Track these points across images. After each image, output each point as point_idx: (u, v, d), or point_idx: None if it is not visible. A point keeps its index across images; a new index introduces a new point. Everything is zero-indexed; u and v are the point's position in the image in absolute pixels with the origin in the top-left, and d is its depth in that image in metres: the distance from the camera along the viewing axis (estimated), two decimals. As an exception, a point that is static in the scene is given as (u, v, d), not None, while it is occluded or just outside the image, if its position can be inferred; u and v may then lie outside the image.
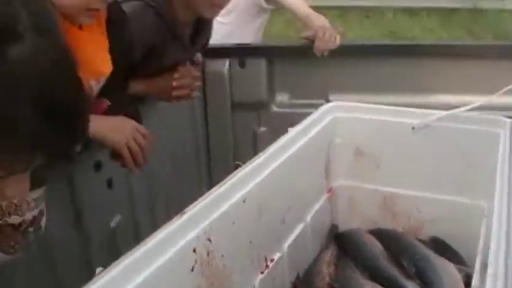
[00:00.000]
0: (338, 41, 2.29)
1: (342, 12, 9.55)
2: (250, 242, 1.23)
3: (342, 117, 1.64)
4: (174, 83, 1.88)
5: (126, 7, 1.67)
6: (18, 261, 1.14)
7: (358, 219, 1.68)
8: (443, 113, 1.54)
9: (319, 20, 2.46)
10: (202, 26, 2.01)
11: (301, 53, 2.42)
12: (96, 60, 1.42)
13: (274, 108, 2.53)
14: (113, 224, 1.82)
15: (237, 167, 1.25)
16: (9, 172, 0.67)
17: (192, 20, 1.95)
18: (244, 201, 1.18)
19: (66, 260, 1.56)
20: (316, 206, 1.58)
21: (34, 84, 0.63)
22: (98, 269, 0.91)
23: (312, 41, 2.33)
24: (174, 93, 1.90)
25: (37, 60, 0.63)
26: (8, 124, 0.62)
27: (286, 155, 1.36)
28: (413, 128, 1.57)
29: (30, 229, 1.00)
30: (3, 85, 0.61)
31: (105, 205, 1.78)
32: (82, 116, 0.69)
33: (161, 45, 1.82)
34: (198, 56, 2.15)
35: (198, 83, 2.01)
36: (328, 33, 2.27)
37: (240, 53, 2.47)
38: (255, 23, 3.23)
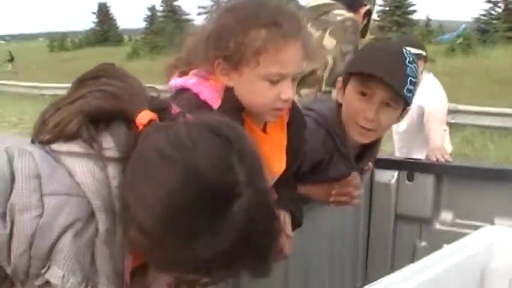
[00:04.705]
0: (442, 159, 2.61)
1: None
2: None
3: (501, 243, 1.64)
4: (334, 191, 1.98)
5: None
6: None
7: None
8: None
9: (434, 143, 3.51)
10: (369, 148, 2.04)
11: (471, 173, 2.45)
12: (273, 161, 1.56)
13: (437, 225, 2.55)
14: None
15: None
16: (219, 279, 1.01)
17: (359, 143, 1.98)
18: (389, 306, 1.25)
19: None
20: (464, 329, 1.57)
21: (244, 227, 0.91)
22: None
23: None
24: (332, 199, 1.99)
25: (249, 209, 0.92)
26: (224, 247, 0.90)
27: (435, 271, 1.41)
28: None
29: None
30: (226, 228, 0.89)
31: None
32: (272, 248, 0.97)
33: (328, 161, 1.93)
34: (370, 164, 2.24)
35: (359, 192, 2.05)
36: (436, 156, 2.63)
37: (409, 166, 2.56)
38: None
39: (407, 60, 1.78)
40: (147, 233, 0.92)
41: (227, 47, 1.40)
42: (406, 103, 1.83)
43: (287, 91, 1.44)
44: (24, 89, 18.83)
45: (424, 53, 3.86)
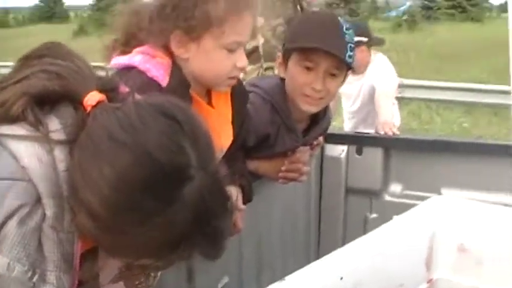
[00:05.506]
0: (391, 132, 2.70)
1: (470, 108, 9.46)
2: (344, 319, 1.31)
3: (448, 211, 1.69)
4: (283, 168, 2.00)
5: None
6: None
7: (457, 315, 1.69)
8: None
9: (383, 116, 3.66)
10: (317, 122, 2.06)
11: (418, 145, 2.51)
12: (221, 134, 1.57)
13: (387, 197, 2.59)
14: (220, 285, 1.96)
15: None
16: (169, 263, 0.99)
17: (307, 117, 2.01)
18: (341, 278, 1.27)
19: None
20: (415, 296, 1.61)
21: (196, 211, 0.89)
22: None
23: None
24: (281, 175, 2.01)
25: (201, 193, 0.90)
26: (175, 230, 0.89)
27: (387, 241, 1.45)
28: (519, 230, 1.59)
29: (152, 274, 1.17)
30: (178, 211, 0.87)
31: (215, 266, 1.93)
32: (225, 231, 0.96)
33: (275, 135, 1.94)
34: (320, 139, 2.25)
35: (307, 169, 2.08)
36: (384, 129, 2.74)
37: (358, 140, 2.60)
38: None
39: (344, 27, 1.85)
40: (97, 217, 0.90)
41: (192, 17, 1.40)
42: (348, 68, 1.89)
43: (243, 59, 1.48)
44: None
45: (364, 40, 3.89)
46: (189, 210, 0.88)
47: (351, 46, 1.83)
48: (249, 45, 2.45)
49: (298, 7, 2.71)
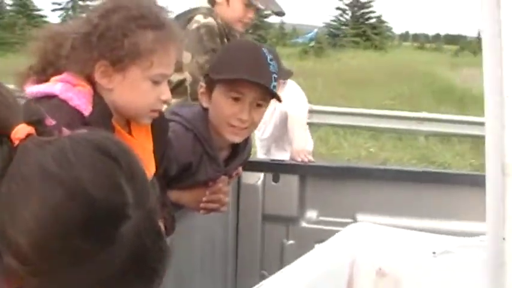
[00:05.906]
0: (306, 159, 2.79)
1: (376, 133, 9.83)
2: None
3: (366, 238, 1.74)
4: (204, 198, 1.98)
5: None
6: None
7: None
8: (466, 240, 1.63)
9: (298, 145, 3.61)
10: (238, 151, 2.07)
11: (332, 172, 2.57)
12: (145, 165, 1.55)
13: (303, 224, 2.63)
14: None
15: (262, 276, 1.34)
16: None
17: (228, 145, 2.02)
18: (266, 310, 1.27)
19: None
20: (337, 322, 1.64)
21: (132, 251, 0.85)
22: None
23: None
24: (203, 205, 1.99)
25: (139, 232, 0.87)
26: (109, 272, 0.84)
27: (310, 271, 1.46)
28: (434, 253, 1.66)
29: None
30: (113, 252, 0.83)
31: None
32: (162, 270, 0.90)
33: (197, 164, 1.93)
34: (239, 170, 2.26)
35: (227, 199, 2.08)
36: (300, 157, 2.83)
37: (274, 168, 2.63)
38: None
39: (268, 58, 1.88)
40: (25, 258, 0.84)
41: (120, 47, 1.38)
42: (272, 97, 1.92)
43: (167, 92, 1.47)
44: None
45: None
46: (125, 251, 0.84)
47: (275, 76, 1.86)
48: (174, 78, 2.43)
49: (226, 41, 2.70)
